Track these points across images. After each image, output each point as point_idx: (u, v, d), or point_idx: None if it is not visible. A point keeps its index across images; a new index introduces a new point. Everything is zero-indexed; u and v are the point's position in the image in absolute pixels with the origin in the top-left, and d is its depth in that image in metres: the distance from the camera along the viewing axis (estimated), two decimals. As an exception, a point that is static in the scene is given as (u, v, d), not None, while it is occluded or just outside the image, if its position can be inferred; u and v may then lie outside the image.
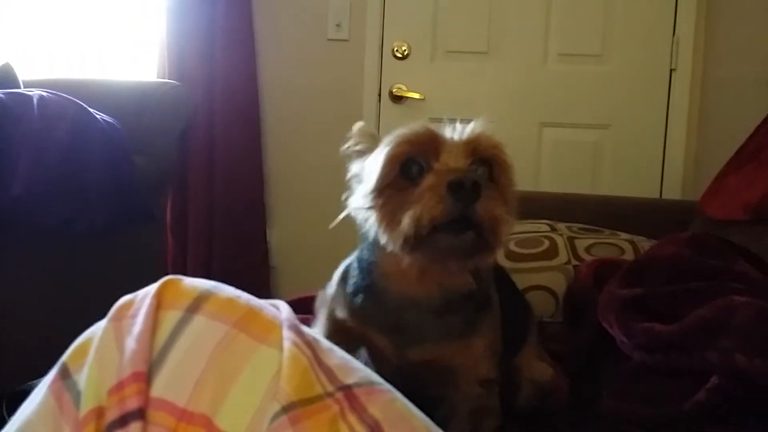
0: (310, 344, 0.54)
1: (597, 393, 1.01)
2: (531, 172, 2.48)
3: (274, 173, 2.70)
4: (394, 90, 2.55)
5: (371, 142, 0.86)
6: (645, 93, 2.42)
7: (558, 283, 1.38)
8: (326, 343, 0.57)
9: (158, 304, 0.55)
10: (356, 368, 0.56)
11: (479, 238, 0.74)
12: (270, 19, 2.64)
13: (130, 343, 0.53)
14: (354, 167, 0.87)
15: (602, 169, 2.47)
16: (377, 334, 0.86)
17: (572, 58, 2.46)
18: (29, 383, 1.53)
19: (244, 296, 0.58)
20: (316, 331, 0.91)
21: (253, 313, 0.56)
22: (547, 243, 1.49)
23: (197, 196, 2.61)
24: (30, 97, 1.61)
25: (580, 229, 1.60)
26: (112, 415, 0.51)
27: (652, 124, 2.43)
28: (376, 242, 0.82)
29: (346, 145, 0.88)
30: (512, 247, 1.50)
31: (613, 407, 0.96)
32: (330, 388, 0.52)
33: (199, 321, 0.54)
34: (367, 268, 0.87)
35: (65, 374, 0.55)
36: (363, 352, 0.88)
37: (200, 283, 0.58)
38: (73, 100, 1.70)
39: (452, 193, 0.72)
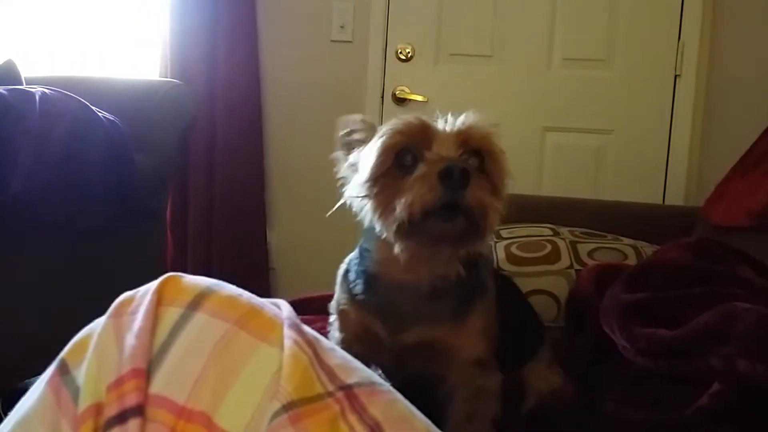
0: (310, 343, 0.54)
1: (599, 398, 1.01)
2: (534, 177, 2.48)
3: (275, 174, 2.70)
4: (397, 92, 2.55)
5: (371, 133, 0.88)
6: (649, 98, 2.42)
7: (560, 287, 1.38)
8: (327, 343, 0.57)
9: (159, 301, 0.55)
10: (357, 368, 0.56)
11: (469, 224, 0.77)
12: (273, 20, 2.63)
13: (130, 339, 0.53)
14: (352, 157, 0.90)
15: (605, 174, 2.47)
16: (373, 319, 0.89)
17: (576, 62, 2.46)
18: (27, 381, 1.53)
19: (245, 294, 0.57)
20: (334, 330, 0.95)
21: (254, 311, 0.55)
22: (549, 247, 1.49)
23: (197, 196, 2.61)
24: (32, 94, 1.61)
25: (583, 233, 1.59)
26: (110, 411, 0.50)
27: (655, 129, 2.42)
28: (371, 230, 0.85)
29: (345, 131, 0.92)
30: (514, 250, 1.49)
31: (614, 412, 0.96)
32: (330, 387, 0.52)
33: (199, 318, 0.54)
34: (365, 256, 0.91)
35: (64, 370, 0.55)
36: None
37: (201, 281, 0.57)
38: (75, 98, 1.69)
39: (442, 180, 0.75)
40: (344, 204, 0.90)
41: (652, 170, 2.43)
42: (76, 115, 1.66)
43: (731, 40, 2.35)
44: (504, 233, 1.56)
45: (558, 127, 2.49)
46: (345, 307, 0.93)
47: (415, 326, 0.87)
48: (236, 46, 2.56)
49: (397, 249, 0.82)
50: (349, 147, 0.91)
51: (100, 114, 1.73)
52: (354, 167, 0.89)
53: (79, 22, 2.72)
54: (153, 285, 0.57)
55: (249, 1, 2.57)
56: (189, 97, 2.15)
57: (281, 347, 0.52)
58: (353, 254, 0.95)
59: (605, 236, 1.60)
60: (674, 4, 2.36)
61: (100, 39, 2.73)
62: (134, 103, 1.97)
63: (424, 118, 0.84)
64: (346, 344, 0.92)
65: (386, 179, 0.81)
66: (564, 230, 1.59)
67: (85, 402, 0.51)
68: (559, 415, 1.01)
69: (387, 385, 0.56)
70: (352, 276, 0.92)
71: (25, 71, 1.97)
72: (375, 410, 0.52)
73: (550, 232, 1.57)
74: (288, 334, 0.53)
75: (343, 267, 0.96)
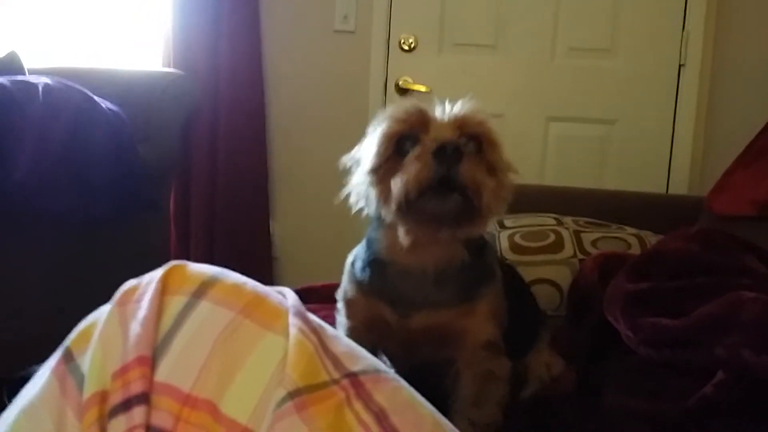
0: (316, 331, 0.54)
1: (600, 387, 1.01)
2: (537, 166, 2.47)
3: (278, 165, 2.69)
4: (400, 82, 2.54)
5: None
6: (653, 88, 2.41)
7: (563, 276, 1.38)
8: (332, 331, 0.57)
9: (163, 289, 0.55)
10: (362, 356, 0.56)
11: (465, 201, 0.79)
12: (276, 10, 2.62)
13: (135, 327, 0.53)
14: (354, 150, 0.92)
15: (609, 164, 2.46)
16: (381, 305, 0.90)
17: (580, 52, 2.44)
18: (30, 368, 1.53)
19: (250, 283, 0.57)
20: (342, 317, 0.96)
21: (259, 299, 0.55)
22: (552, 236, 1.49)
23: (200, 187, 2.60)
24: (35, 85, 1.61)
25: (587, 222, 1.59)
26: (115, 399, 0.50)
27: (659, 119, 2.41)
28: (377, 219, 0.88)
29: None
30: (518, 240, 1.49)
31: (617, 402, 0.95)
32: (336, 375, 0.52)
33: (204, 306, 0.54)
34: (371, 244, 0.92)
35: (69, 358, 0.55)
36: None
37: (206, 269, 0.57)
38: (78, 89, 1.69)
39: (436, 157, 0.78)
40: (349, 195, 0.91)
41: (656, 160, 2.43)
42: (79, 105, 1.66)
43: (736, 29, 2.33)
44: (507, 222, 1.56)
45: (562, 116, 2.48)
46: (352, 295, 0.94)
47: (424, 311, 0.88)
48: (239, 36, 2.55)
49: (400, 233, 0.84)
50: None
51: (103, 105, 1.73)
52: (356, 162, 0.91)
53: (81, 13, 2.71)
54: (158, 273, 0.56)
55: (251, -9, 2.56)
56: (192, 88, 2.15)
57: (286, 335, 0.52)
58: (360, 245, 0.96)
59: (609, 226, 1.60)
60: (679, -6, 2.35)
61: (102, 30, 2.72)
62: (137, 94, 1.97)
63: (421, 105, 0.86)
64: (355, 332, 0.93)
65: (387, 166, 0.84)
66: (567, 220, 1.59)
67: (89, 390, 0.51)
68: (559, 403, 1.01)
69: (392, 373, 0.56)
70: (359, 265, 0.93)
71: (29, 62, 1.96)
72: (380, 397, 0.52)
73: (553, 222, 1.57)
74: (293, 322, 0.53)
75: (350, 258, 0.97)
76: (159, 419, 0.50)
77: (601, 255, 1.32)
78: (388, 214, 0.83)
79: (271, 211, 2.69)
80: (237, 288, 0.56)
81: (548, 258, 1.43)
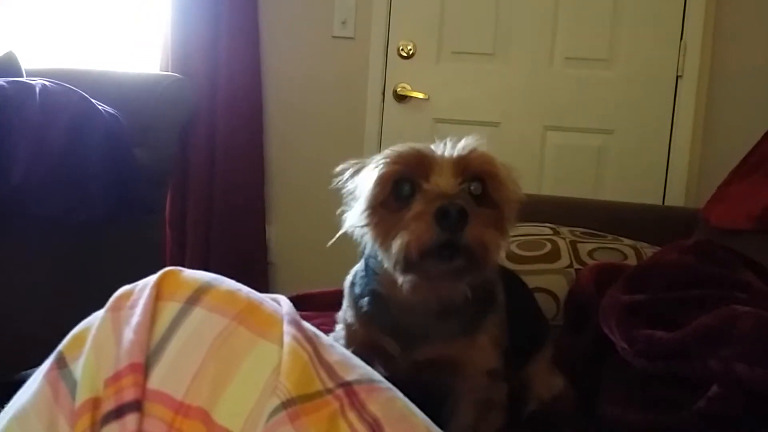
0: (310, 340, 0.54)
1: (597, 399, 1.00)
2: (534, 176, 2.47)
3: (275, 169, 2.69)
4: (398, 89, 2.55)
5: (358, 165, 0.87)
6: (650, 99, 2.41)
7: (559, 286, 1.37)
8: (327, 339, 0.57)
9: (157, 295, 0.55)
10: (356, 365, 0.55)
11: (469, 262, 0.75)
12: (275, 15, 2.63)
13: (128, 333, 0.52)
14: (349, 184, 0.88)
15: (605, 175, 2.46)
16: (383, 336, 0.87)
17: (578, 61, 2.45)
18: (23, 372, 1.53)
19: (245, 289, 0.57)
20: (341, 340, 0.94)
21: (253, 306, 0.55)
22: (549, 246, 1.48)
23: (197, 191, 2.60)
24: (32, 87, 1.61)
25: (583, 233, 1.59)
26: (108, 406, 0.50)
27: (656, 130, 2.42)
28: (375, 254, 0.84)
29: (339, 179, 0.89)
30: (514, 249, 1.49)
31: (612, 414, 0.95)
32: (330, 384, 0.52)
33: (198, 313, 0.54)
34: (371, 273, 0.88)
35: (61, 363, 0.54)
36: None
37: (200, 275, 0.57)
38: (76, 91, 1.69)
39: (439, 221, 0.73)
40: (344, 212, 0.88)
41: (653, 171, 2.43)
42: (77, 108, 1.65)
43: (733, 41, 2.34)
44: (504, 232, 1.55)
45: (559, 126, 2.48)
46: (352, 321, 0.91)
47: (427, 344, 0.85)
48: (237, 40, 2.56)
49: (399, 281, 0.80)
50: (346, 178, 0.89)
51: (100, 107, 1.73)
52: (352, 195, 0.87)
53: (80, 15, 2.71)
54: (152, 279, 0.56)
55: (251, -4, 2.57)
56: (190, 92, 2.15)
57: (281, 343, 0.52)
58: (359, 266, 0.93)
59: (605, 236, 1.60)
60: (677, 5, 2.35)
61: (101, 32, 2.72)
62: (135, 97, 1.97)
63: (420, 146, 0.81)
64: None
65: (384, 209, 0.79)
66: (564, 230, 1.59)
67: (82, 396, 0.51)
68: (560, 419, 1.01)
69: (386, 383, 0.56)
70: (357, 290, 0.90)
71: (26, 64, 1.96)
72: (374, 407, 0.51)
73: (550, 232, 1.57)
74: (288, 330, 0.53)
75: (348, 278, 0.94)
76: (151, 427, 0.50)
77: (597, 265, 1.32)
78: (388, 264, 0.79)
79: (267, 215, 2.69)
80: (231, 295, 0.56)
81: (544, 267, 1.42)
